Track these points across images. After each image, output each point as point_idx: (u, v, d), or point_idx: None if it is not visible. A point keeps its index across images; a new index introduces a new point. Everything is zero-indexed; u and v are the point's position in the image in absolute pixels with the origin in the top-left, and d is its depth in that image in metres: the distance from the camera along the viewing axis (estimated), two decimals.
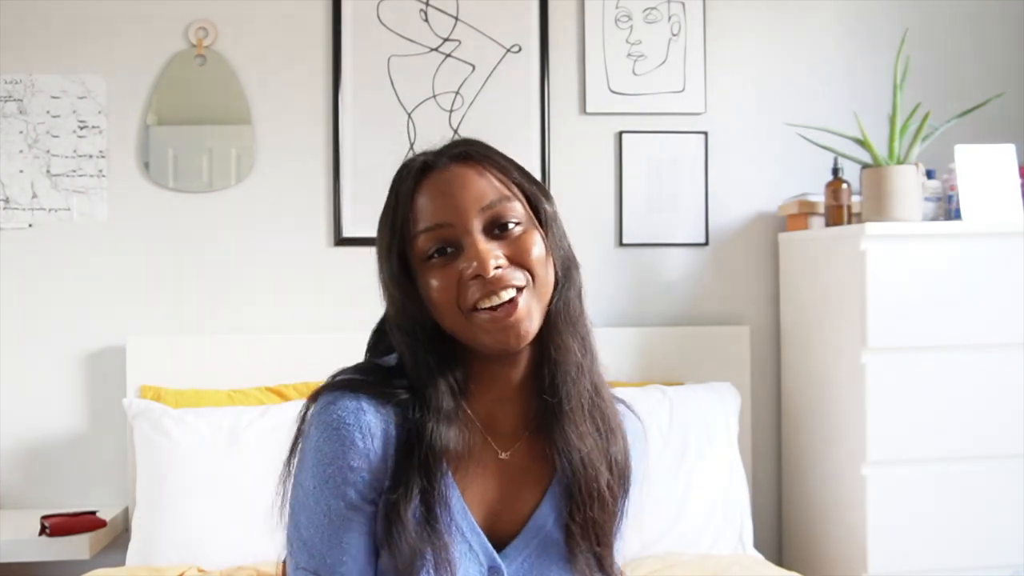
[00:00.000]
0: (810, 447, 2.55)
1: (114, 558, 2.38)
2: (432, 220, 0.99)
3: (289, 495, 1.03)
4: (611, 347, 2.57)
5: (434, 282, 0.99)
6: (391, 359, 1.09)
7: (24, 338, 2.55)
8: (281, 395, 2.45)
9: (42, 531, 2.26)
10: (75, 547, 2.25)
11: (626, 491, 1.09)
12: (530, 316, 0.99)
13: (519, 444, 1.07)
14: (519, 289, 0.99)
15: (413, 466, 0.98)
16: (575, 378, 1.05)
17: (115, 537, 2.44)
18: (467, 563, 1.02)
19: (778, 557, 2.71)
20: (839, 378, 2.39)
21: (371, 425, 0.99)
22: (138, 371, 2.48)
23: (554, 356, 1.04)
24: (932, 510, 2.28)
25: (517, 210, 1.01)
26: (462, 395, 1.03)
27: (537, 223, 1.04)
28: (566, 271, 1.06)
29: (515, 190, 1.03)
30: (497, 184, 1.02)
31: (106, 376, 2.55)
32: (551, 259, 1.03)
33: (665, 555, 2.21)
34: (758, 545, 2.54)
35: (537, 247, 1.01)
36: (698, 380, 2.59)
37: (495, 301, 0.98)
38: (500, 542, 1.06)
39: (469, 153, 1.03)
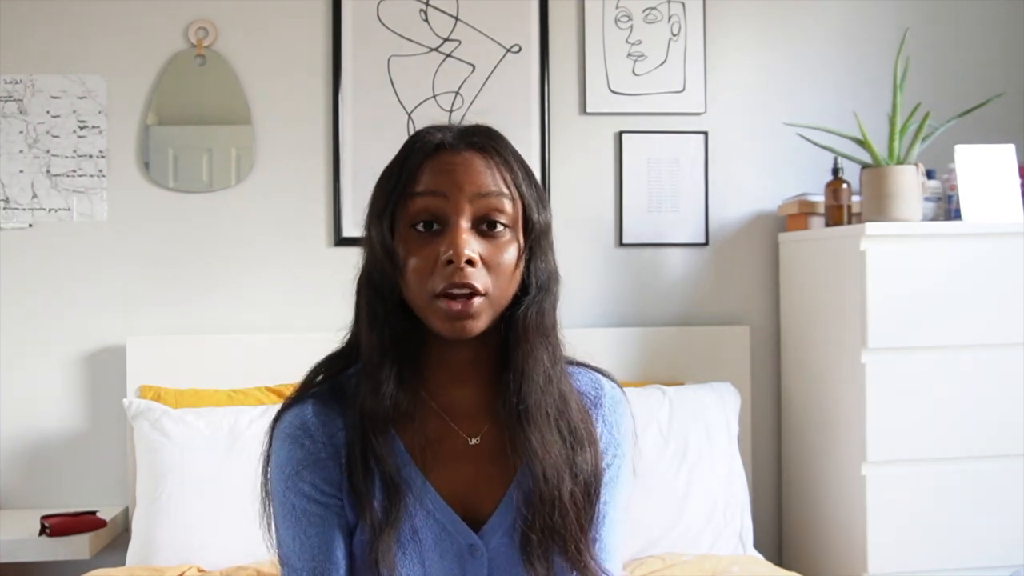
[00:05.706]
0: (810, 447, 2.55)
1: (114, 558, 2.38)
2: (428, 187, 1.04)
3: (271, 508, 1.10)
4: (611, 347, 2.61)
5: (413, 259, 1.03)
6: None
7: (24, 338, 2.55)
8: (281, 395, 2.44)
9: (42, 531, 2.26)
10: (75, 547, 2.25)
11: (593, 500, 1.09)
12: (479, 317, 1.03)
13: (487, 429, 1.09)
14: (478, 292, 1.02)
15: (359, 435, 1.05)
16: (543, 387, 1.07)
17: (115, 537, 2.44)
18: (444, 542, 1.06)
19: (778, 557, 2.71)
20: (839, 378, 2.39)
21: (316, 426, 1.07)
22: (138, 371, 2.48)
23: (521, 364, 1.07)
24: (932, 510, 2.28)
25: (509, 211, 1.05)
26: (416, 376, 1.08)
27: (524, 232, 1.07)
28: (545, 283, 1.09)
29: (514, 191, 1.06)
30: (500, 180, 1.05)
31: (106, 376, 2.55)
32: (518, 271, 1.06)
33: (665, 555, 2.21)
34: (758, 545, 2.54)
35: (510, 258, 1.05)
36: (698, 380, 2.59)
37: (455, 293, 1.02)
38: (479, 522, 1.08)
39: (484, 145, 1.07)
